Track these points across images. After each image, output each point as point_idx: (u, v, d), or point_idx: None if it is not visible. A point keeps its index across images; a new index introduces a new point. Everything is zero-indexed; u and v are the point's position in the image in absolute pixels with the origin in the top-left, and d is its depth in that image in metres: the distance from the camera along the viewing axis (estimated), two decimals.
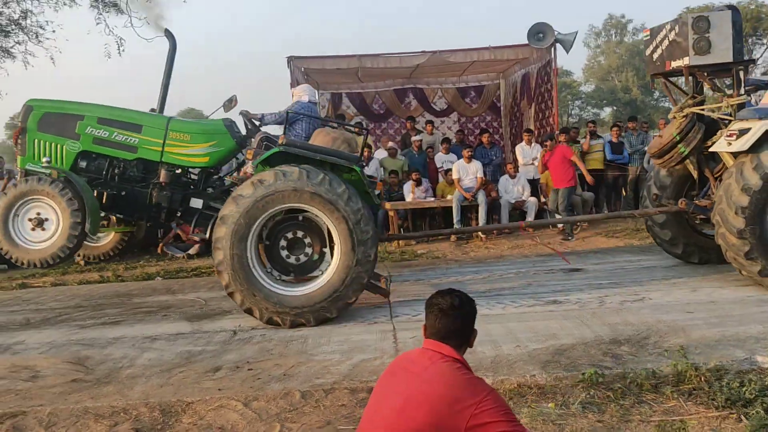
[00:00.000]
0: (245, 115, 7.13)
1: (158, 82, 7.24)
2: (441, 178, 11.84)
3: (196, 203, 6.94)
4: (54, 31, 15.37)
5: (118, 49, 13.93)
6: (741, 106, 6.63)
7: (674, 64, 6.83)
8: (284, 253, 6.25)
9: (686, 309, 5.77)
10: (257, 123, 7.18)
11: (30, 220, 6.46)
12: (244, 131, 7.22)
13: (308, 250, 6.25)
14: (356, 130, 7.35)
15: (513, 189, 11.26)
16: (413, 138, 12.75)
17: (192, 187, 7.14)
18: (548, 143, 10.93)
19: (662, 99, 46.95)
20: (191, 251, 10.79)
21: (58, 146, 6.83)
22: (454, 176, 11.00)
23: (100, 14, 13.97)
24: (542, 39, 11.80)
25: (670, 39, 6.84)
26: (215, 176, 7.52)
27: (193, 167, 6.98)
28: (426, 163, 12.45)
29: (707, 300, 6.06)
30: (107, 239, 8.10)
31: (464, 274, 8.15)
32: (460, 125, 15.47)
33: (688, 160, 7.06)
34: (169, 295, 7.94)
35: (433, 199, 11.41)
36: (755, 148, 6.11)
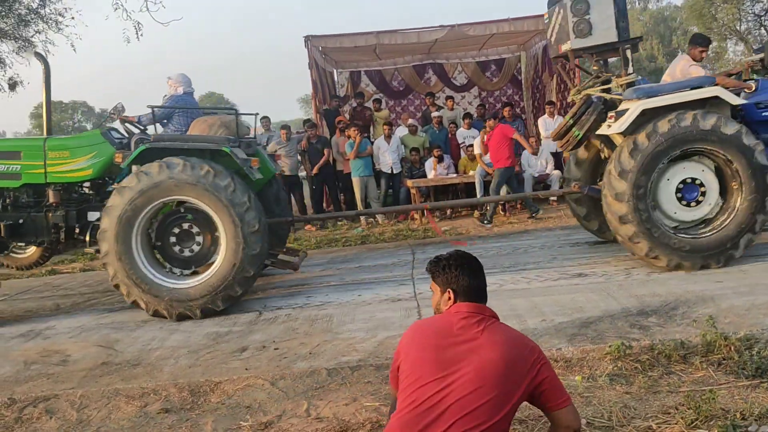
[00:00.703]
0: (122, 120, 6.89)
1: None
2: (463, 154, 11.74)
3: (93, 216, 6.76)
4: (73, 18, 15.46)
5: (137, 34, 13.96)
6: (631, 85, 6.45)
7: (563, 47, 6.68)
8: (177, 248, 6.24)
9: (715, 279, 5.67)
10: (137, 125, 6.95)
11: None
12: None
13: (199, 239, 6.22)
14: (241, 113, 7.13)
15: (536, 162, 11.13)
16: (434, 114, 12.64)
17: (88, 201, 6.97)
18: (489, 122, 10.68)
19: None
20: None
21: None
22: (476, 151, 10.89)
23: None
24: None
25: (558, 22, 6.66)
26: (111, 186, 7.06)
27: (81, 182, 6.80)
28: (447, 139, 12.36)
29: (737, 269, 5.94)
30: (31, 251, 7.90)
31: (488, 249, 8.10)
32: (481, 100, 15.29)
33: (597, 141, 6.88)
34: None
35: (455, 175, 11.33)
36: (632, 129, 6.03)
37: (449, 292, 2.53)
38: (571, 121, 6.78)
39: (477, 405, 2.29)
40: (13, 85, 15.90)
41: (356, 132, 10.91)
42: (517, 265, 6.94)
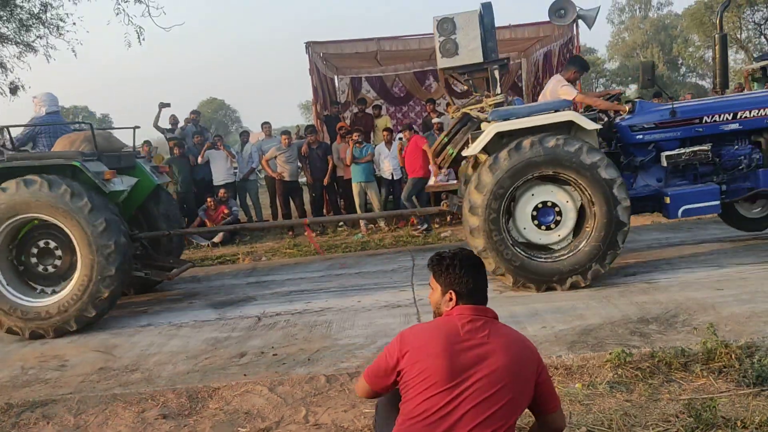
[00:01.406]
0: (11, 138, 6.91)
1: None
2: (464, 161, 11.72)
3: None
4: (74, 24, 15.49)
5: (138, 38, 14.01)
6: (499, 106, 6.42)
7: (439, 65, 6.58)
8: (38, 265, 6.25)
9: (716, 286, 5.65)
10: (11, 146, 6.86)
11: None
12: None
13: (59, 256, 6.23)
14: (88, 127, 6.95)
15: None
16: (434, 120, 12.65)
17: None
18: (405, 133, 10.77)
19: (689, 74, 46.05)
20: (215, 239, 10.88)
21: None
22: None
23: (119, 4, 14.02)
24: (564, 15, 11.53)
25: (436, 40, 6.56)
26: None
27: None
28: None
29: (738, 276, 5.92)
30: None
31: None
32: None
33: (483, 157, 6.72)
34: (194, 282, 8.00)
35: (455, 181, 11.31)
36: (491, 150, 6.02)
37: (451, 293, 2.49)
38: (446, 139, 6.77)
39: (491, 411, 2.27)
40: (14, 90, 15.94)
41: (357, 136, 10.92)
42: None
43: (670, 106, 6.44)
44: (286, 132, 12.28)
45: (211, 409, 3.99)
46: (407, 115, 15.16)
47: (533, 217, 6.08)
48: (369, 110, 13.71)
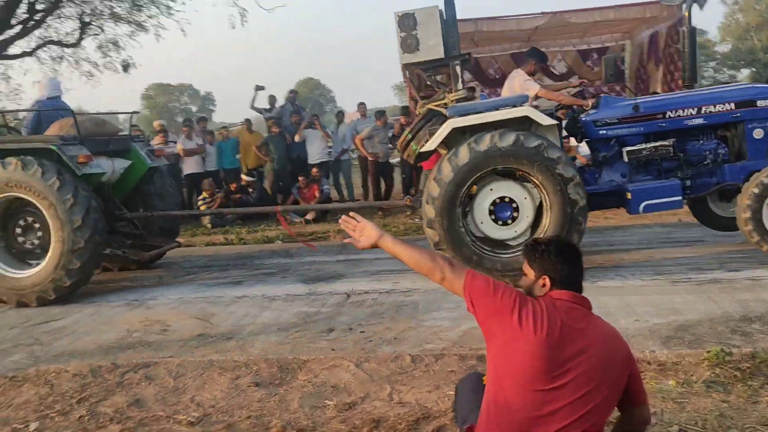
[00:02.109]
0: (5, 122, 7.67)
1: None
2: None
3: None
4: (184, 3, 16.17)
5: (242, 20, 14.43)
6: (462, 101, 6.33)
7: (401, 60, 6.41)
8: (21, 239, 6.84)
9: None
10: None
11: None
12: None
13: (39, 232, 6.72)
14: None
15: None
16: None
17: None
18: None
19: None
20: (308, 217, 11.15)
21: None
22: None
23: None
24: None
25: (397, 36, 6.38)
26: None
27: None
28: None
29: None
30: None
31: (582, 245, 7.86)
32: (581, 89, 14.80)
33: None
34: (287, 257, 8.26)
35: None
36: (452, 145, 6.00)
37: (545, 278, 2.43)
38: (410, 136, 6.70)
39: (588, 408, 2.22)
40: (126, 67, 16.82)
41: None
42: (610, 262, 6.71)
43: (633, 101, 6.43)
44: (380, 112, 12.37)
45: (300, 381, 4.14)
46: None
47: (491, 212, 6.07)
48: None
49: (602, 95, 6.81)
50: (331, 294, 6.20)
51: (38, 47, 15.83)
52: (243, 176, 12.58)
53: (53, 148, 6.58)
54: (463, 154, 5.90)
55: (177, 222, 8.65)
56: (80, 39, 16.01)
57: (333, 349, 4.61)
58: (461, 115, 6.04)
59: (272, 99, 13.62)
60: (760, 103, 6.29)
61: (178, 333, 5.26)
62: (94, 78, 17.12)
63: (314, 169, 11.91)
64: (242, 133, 13.40)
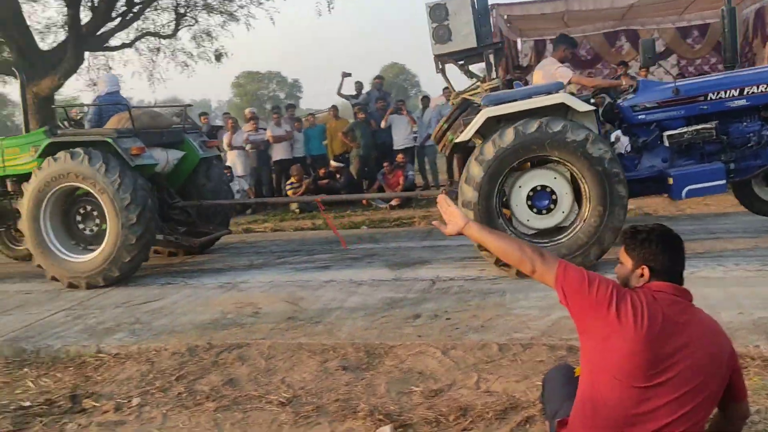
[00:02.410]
0: (66, 117, 8.28)
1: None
2: None
3: None
4: None
5: (328, 7, 14.55)
6: (495, 90, 6.28)
7: (433, 51, 6.45)
8: (81, 226, 7.29)
9: None
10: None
11: None
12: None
13: (98, 221, 7.14)
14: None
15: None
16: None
17: None
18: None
19: None
20: (393, 203, 11.20)
21: None
22: None
23: None
24: None
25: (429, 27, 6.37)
26: None
27: (30, 173, 7.30)
28: None
29: None
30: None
31: (680, 233, 7.49)
32: (680, 69, 14.09)
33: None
34: (373, 243, 8.32)
35: None
36: (486, 135, 5.93)
37: (644, 268, 2.30)
38: (446, 126, 6.60)
39: (690, 407, 2.11)
40: (218, 56, 17.33)
41: None
42: (712, 252, 6.36)
43: (673, 84, 6.23)
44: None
45: (386, 366, 4.17)
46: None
47: (528, 200, 6.01)
48: None
49: (640, 79, 6.63)
50: (416, 280, 6.20)
51: (136, 39, 16.57)
52: (332, 162, 12.77)
53: (109, 140, 6.94)
54: (509, 136, 5.80)
55: (228, 210, 8.99)
56: (176, 30, 16.62)
57: (419, 336, 4.61)
58: (496, 104, 5.94)
59: (359, 85, 13.72)
60: None
61: (269, 316, 5.41)
62: (189, 68, 17.73)
63: (399, 155, 11.92)
64: (329, 119, 13.57)
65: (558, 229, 6.06)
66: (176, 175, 8.15)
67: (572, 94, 6.38)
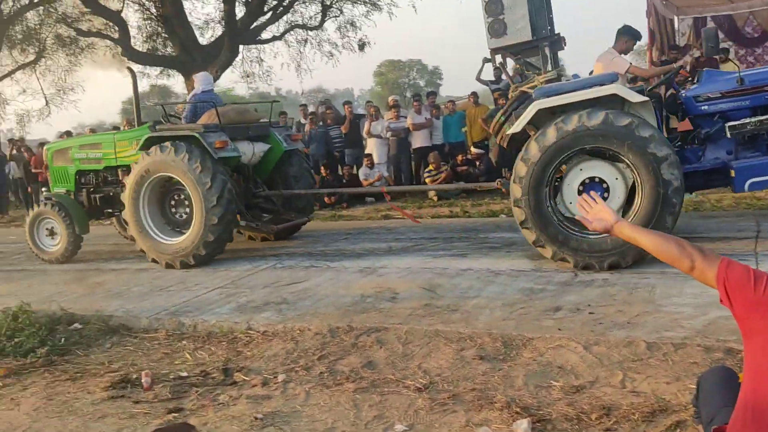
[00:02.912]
0: (165, 113, 9.04)
1: None
2: None
3: None
4: None
5: None
6: (551, 82, 6.29)
7: (489, 45, 6.64)
8: (173, 211, 8.06)
9: None
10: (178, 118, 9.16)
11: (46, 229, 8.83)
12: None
13: (188, 208, 7.82)
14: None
15: None
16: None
17: None
18: None
19: None
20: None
21: (65, 171, 9.09)
22: None
23: None
24: None
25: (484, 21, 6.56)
26: None
27: None
28: None
29: None
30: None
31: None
32: None
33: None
34: (511, 232, 8.16)
35: None
36: (540, 126, 5.95)
37: None
38: (503, 119, 6.61)
39: None
40: (362, 46, 17.74)
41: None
42: None
43: (737, 74, 6.03)
44: None
45: (524, 358, 4.07)
46: (761, 59, 13.13)
47: (579, 192, 5.85)
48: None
49: (704, 70, 6.49)
50: (557, 271, 6.00)
51: (286, 32, 17.36)
52: (471, 149, 12.66)
53: (196, 135, 7.59)
54: (551, 134, 5.83)
55: (311, 199, 9.55)
56: (322, 21, 17.22)
57: (559, 329, 4.46)
58: (548, 96, 5.94)
59: (498, 71, 13.46)
60: None
61: (406, 302, 5.48)
62: (334, 57, 18.28)
63: None
64: (468, 106, 13.45)
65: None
66: (263, 166, 8.77)
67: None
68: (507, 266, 6.37)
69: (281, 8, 16.46)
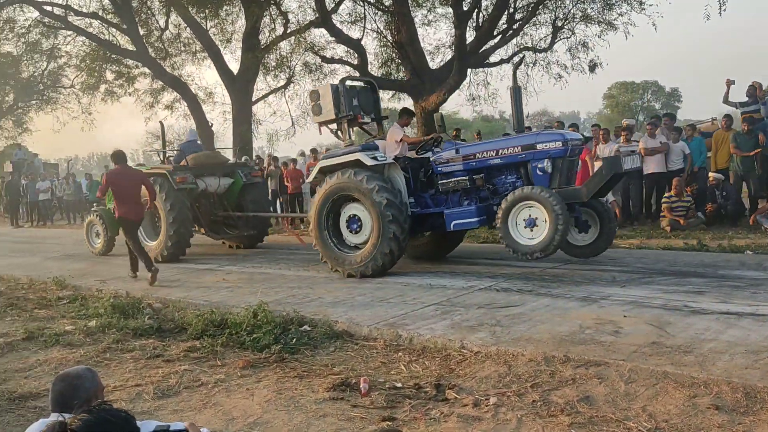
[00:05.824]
0: (164, 155, 13.39)
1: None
2: None
3: None
4: None
5: (720, 9, 12.81)
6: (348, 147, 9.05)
7: (312, 120, 9.86)
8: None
9: None
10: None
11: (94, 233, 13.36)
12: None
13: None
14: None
15: None
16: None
17: None
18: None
19: None
20: None
21: None
22: None
23: None
24: None
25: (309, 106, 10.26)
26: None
27: None
28: None
29: None
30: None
31: None
32: None
33: None
34: (759, 270, 7.25)
35: None
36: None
37: None
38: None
39: None
40: (592, 67, 17.03)
41: None
42: None
43: (454, 146, 8.56)
44: None
45: None
46: None
47: (347, 225, 8.71)
48: None
49: (447, 141, 8.94)
50: None
51: (514, 54, 17.25)
52: (710, 174, 11.55)
53: (165, 173, 10.99)
54: (327, 184, 8.69)
55: (265, 220, 13.00)
56: (552, 43, 16.85)
57: None
58: (326, 158, 9.04)
59: (752, 90, 12.12)
60: (539, 146, 7.77)
61: (630, 337, 5.09)
62: (562, 79, 17.78)
63: None
64: (713, 129, 12.28)
65: (365, 243, 8.47)
66: (230, 195, 12.34)
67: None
68: (751, 309, 5.66)
69: (511, 31, 16.45)
